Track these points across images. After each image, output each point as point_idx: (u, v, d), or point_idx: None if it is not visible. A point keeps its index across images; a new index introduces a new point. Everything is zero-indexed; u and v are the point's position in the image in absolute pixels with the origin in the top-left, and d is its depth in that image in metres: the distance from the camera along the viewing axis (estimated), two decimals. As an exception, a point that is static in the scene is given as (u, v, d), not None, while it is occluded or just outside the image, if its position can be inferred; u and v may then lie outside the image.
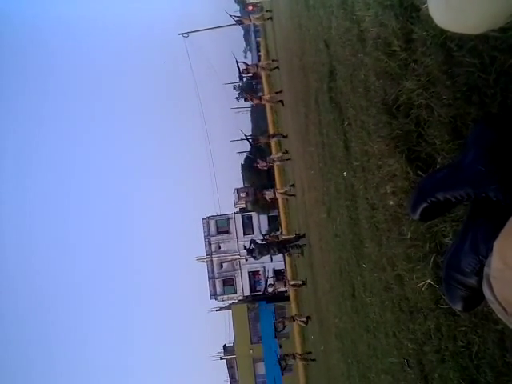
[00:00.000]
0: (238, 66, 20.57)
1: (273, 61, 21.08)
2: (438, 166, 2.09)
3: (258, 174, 40.33)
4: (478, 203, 1.25)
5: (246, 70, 20.65)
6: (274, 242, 16.11)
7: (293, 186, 16.88)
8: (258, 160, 21.81)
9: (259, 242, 16.55)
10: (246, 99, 23.26)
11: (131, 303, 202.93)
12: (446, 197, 1.32)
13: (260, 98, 22.07)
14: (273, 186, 28.77)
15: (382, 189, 3.11)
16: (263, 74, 26.65)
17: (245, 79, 59.99)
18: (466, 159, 1.33)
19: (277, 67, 19.37)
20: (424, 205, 1.38)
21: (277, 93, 19.44)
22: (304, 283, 15.44)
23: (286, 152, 18.14)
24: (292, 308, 27.58)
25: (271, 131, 27.72)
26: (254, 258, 15.71)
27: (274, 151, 26.02)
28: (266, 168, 22.42)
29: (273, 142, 23.32)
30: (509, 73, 1.56)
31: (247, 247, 16.91)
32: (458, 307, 1.20)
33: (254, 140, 22.53)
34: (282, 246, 15.13)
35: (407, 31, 2.33)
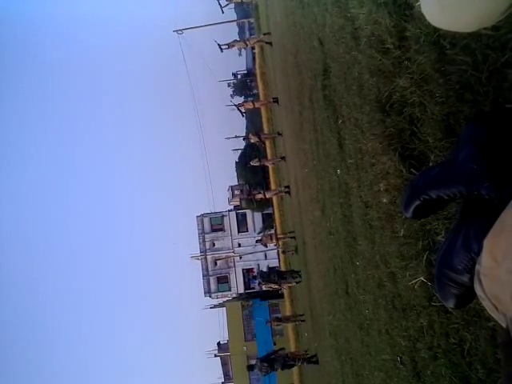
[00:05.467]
0: (219, 46, 19.94)
1: (264, 34, 20.21)
2: (430, 164, 2.09)
3: (252, 172, 40.31)
4: (470, 201, 1.26)
5: (231, 45, 19.79)
6: (275, 271, 17.95)
7: (287, 187, 16.87)
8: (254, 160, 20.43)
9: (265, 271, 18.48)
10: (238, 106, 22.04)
11: (126, 301, 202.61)
12: (438, 195, 1.32)
13: (253, 103, 21.25)
14: (267, 184, 28.66)
15: (375, 186, 3.11)
16: (256, 47, 25.93)
17: (239, 76, 59.89)
18: (458, 157, 1.33)
19: (270, 42, 18.47)
20: (417, 202, 1.38)
21: (273, 100, 18.84)
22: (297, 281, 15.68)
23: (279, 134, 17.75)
24: (286, 305, 27.64)
25: (266, 129, 27.48)
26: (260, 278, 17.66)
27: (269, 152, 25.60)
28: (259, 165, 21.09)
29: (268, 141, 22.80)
30: (501, 71, 1.56)
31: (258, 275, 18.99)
32: (450, 304, 1.20)
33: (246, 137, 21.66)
34: (281, 275, 17.12)
35: (401, 29, 2.33)
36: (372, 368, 4.05)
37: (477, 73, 1.66)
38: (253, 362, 16.54)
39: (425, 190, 1.36)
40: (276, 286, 18.17)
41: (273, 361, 14.25)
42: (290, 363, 14.21)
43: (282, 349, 17.54)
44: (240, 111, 21.25)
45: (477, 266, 1.03)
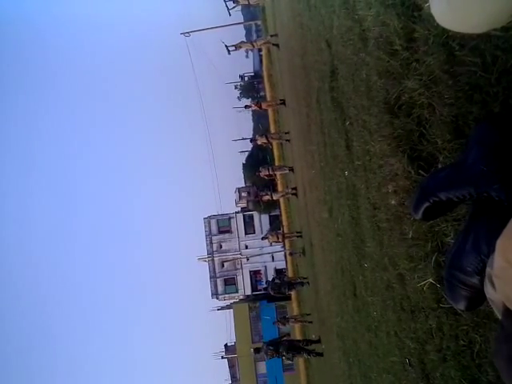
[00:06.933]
0: (227, 48, 19.90)
1: (271, 36, 19.99)
2: (439, 166, 2.09)
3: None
4: (480, 202, 1.25)
5: (239, 47, 19.58)
6: (286, 281, 17.68)
7: (294, 188, 16.84)
8: (261, 168, 19.35)
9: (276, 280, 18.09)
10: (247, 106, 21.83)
11: (133, 303, 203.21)
12: (448, 196, 1.32)
13: (260, 105, 20.97)
14: (274, 186, 28.62)
15: (383, 188, 3.11)
16: (263, 48, 25.89)
17: (246, 79, 59.96)
18: (468, 158, 1.33)
19: (277, 44, 18.34)
20: (426, 204, 1.38)
21: (280, 102, 18.70)
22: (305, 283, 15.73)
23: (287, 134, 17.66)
24: (293, 307, 27.58)
25: (273, 130, 27.47)
26: (271, 291, 17.51)
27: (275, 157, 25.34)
28: (268, 176, 19.82)
29: (275, 142, 22.58)
30: (511, 72, 1.55)
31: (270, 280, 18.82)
32: (461, 307, 1.19)
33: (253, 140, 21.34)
34: (289, 285, 17.06)
35: (409, 30, 2.33)
36: (380, 370, 4.04)
37: (486, 74, 1.66)
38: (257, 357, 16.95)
39: (434, 192, 1.36)
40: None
41: (278, 345, 14.66)
42: (295, 345, 14.53)
43: (288, 334, 18.00)
44: (250, 106, 20.98)
45: (487, 269, 1.02)
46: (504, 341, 0.89)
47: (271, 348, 14.39)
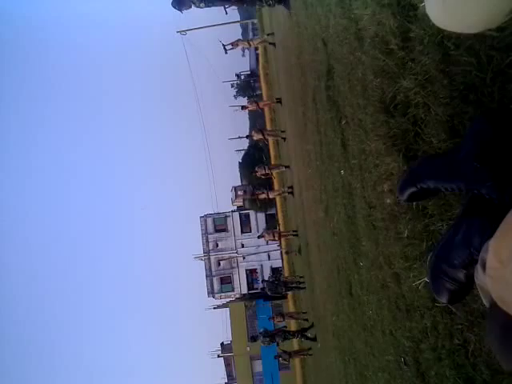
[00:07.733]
0: (224, 47, 19.84)
1: (268, 35, 20.12)
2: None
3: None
4: (473, 199, 1.26)
5: (235, 44, 19.52)
6: (282, 281, 17.89)
7: (290, 187, 16.88)
8: (257, 168, 19.07)
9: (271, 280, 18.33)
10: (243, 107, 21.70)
11: (129, 301, 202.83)
12: (436, 186, 1.33)
13: (257, 104, 20.83)
14: (270, 185, 28.62)
15: (379, 187, 3.11)
16: (259, 47, 25.80)
17: (242, 77, 59.92)
18: (462, 152, 1.34)
19: (273, 43, 18.44)
20: (413, 189, 1.40)
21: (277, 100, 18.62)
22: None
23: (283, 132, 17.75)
24: (289, 306, 27.62)
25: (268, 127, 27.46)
26: (269, 291, 17.68)
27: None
28: (264, 175, 19.35)
29: (271, 141, 22.55)
30: (506, 72, 1.56)
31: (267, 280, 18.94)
32: (443, 299, 1.20)
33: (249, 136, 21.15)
34: (287, 286, 17.23)
35: (405, 30, 2.33)
36: (376, 369, 4.05)
37: (481, 74, 1.66)
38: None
39: (424, 180, 1.37)
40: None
41: (274, 335, 15.47)
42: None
43: (285, 326, 18.33)
44: (247, 107, 20.86)
45: (481, 254, 1.02)
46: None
47: (267, 339, 14.95)
